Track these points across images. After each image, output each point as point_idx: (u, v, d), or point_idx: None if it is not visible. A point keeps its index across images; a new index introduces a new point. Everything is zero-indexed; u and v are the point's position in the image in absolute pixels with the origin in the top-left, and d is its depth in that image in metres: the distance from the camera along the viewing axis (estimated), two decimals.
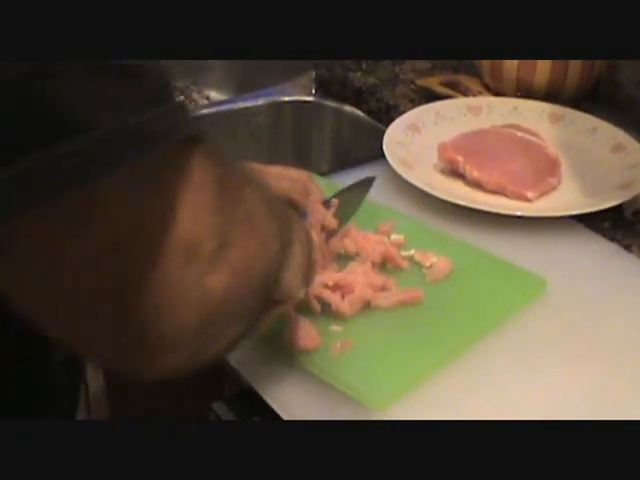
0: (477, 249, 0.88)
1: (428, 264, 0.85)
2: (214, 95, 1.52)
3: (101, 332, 0.43)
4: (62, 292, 0.41)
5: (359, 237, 0.84)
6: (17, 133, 0.36)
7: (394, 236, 0.87)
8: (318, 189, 0.81)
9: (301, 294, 0.69)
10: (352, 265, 0.82)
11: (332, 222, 0.81)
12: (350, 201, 0.87)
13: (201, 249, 0.43)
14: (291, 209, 0.68)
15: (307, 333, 0.75)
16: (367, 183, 0.91)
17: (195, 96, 1.53)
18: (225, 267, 0.44)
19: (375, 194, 0.97)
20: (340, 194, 0.86)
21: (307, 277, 0.69)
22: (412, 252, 0.86)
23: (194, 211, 0.42)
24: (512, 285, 0.83)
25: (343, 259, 0.84)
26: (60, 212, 0.38)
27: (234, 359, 0.77)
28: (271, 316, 0.69)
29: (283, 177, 0.78)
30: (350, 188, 0.90)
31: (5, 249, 0.39)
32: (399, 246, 0.86)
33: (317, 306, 0.77)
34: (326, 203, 0.82)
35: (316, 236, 0.75)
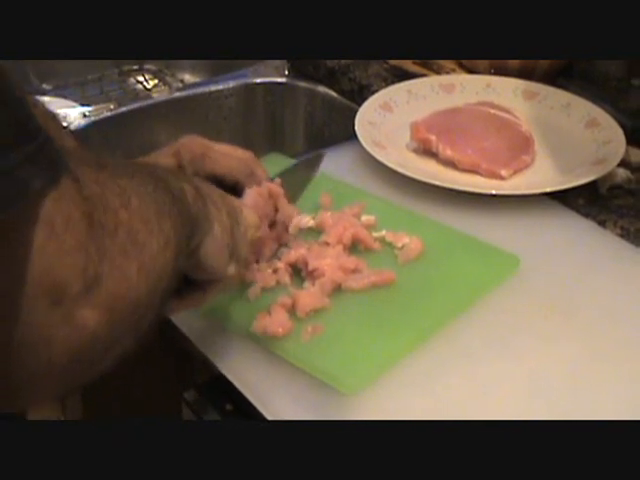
0: (449, 228, 0.88)
1: (400, 245, 0.83)
2: (188, 78, 1.51)
3: None
4: None
5: (328, 217, 0.83)
6: None
7: (365, 217, 0.86)
8: (262, 170, 0.81)
9: (231, 270, 0.67)
10: (323, 248, 0.81)
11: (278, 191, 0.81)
12: (295, 179, 0.86)
13: (67, 289, 0.43)
14: (210, 186, 0.67)
15: (277, 318, 0.74)
16: (315, 160, 0.90)
17: (169, 79, 1.52)
18: (97, 302, 0.45)
19: (347, 175, 0.96)
20: (284, 173, 0.85)
21: (236, 253, 0.67)
22: (383, 233, 0.85)
23: (57, 254, 0.43)
24: (485, 264, 0.83)
25: (313, 234, 0.84)
26: None
27: (206, 347, 0.77)
28: (210, 295, 0.68)
29: (230, 156, 0.77)
30: (296, 166, 0.89)
31: None
32: (370, 227, 0.85)
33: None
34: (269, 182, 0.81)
35: (252, 214, 0.73)
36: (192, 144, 0.80)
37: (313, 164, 0.90)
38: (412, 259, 0.83)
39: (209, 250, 0.62)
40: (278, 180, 0.82)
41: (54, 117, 0.71)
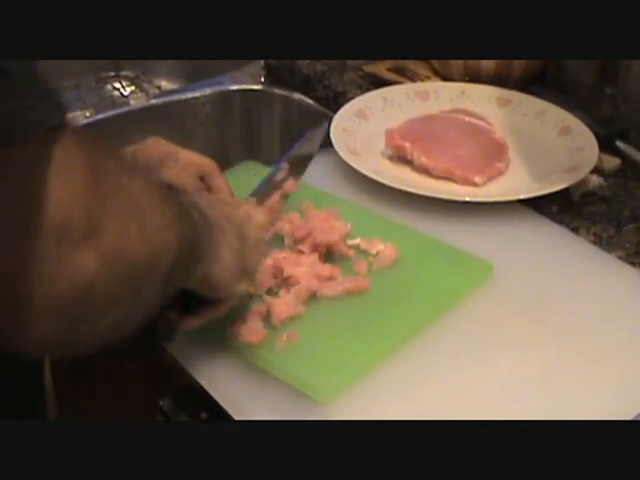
0: (423, 235, 0.88)
1: (374, 252, 0.84)
2: (165, 84, 1.51)
3: None
4: None
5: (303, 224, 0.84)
6: None
7: (340, 224, 0.86)
8: (223, 181, 0.81)
9: (243, 287, 0.68)
10: (298, 256, 0.81)
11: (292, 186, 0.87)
12: (299, 157, 0.89)
13: (72, 229, 0.45)
14: (217, 207, 0.68)
15: (252, 326, 0.74)
16: (317, 135, 0.94)
17: (145, 86, 1.51)
18: (97, 249, 0.47)
19: (323, 182, 0.96)
20: (289, 156, 0.88)
21: (247, 271, 0.69)
22: (358, 241, 0.85)
23: (64, 195, 0.45)
24: (459, 271, 0.83)
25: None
26: None
27: (181, 355, 0.76)
28: (224, 310, 0.71)
29: (188, 169, 0.77)
30: (299, 145, 0.92)
31: None
32: (345, 234, 0.85)
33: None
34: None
35: (261, 214, 0.75)
36: (152, 149, 0.79)
37: (315, 139, 0.93)
38: (386, 266, 0.83)
39: (220, 276, 0.65)
40: (286, 165, 0.85)
41: None
